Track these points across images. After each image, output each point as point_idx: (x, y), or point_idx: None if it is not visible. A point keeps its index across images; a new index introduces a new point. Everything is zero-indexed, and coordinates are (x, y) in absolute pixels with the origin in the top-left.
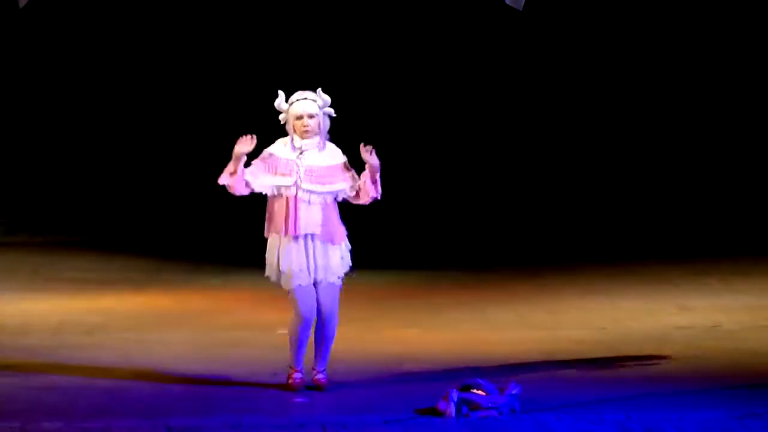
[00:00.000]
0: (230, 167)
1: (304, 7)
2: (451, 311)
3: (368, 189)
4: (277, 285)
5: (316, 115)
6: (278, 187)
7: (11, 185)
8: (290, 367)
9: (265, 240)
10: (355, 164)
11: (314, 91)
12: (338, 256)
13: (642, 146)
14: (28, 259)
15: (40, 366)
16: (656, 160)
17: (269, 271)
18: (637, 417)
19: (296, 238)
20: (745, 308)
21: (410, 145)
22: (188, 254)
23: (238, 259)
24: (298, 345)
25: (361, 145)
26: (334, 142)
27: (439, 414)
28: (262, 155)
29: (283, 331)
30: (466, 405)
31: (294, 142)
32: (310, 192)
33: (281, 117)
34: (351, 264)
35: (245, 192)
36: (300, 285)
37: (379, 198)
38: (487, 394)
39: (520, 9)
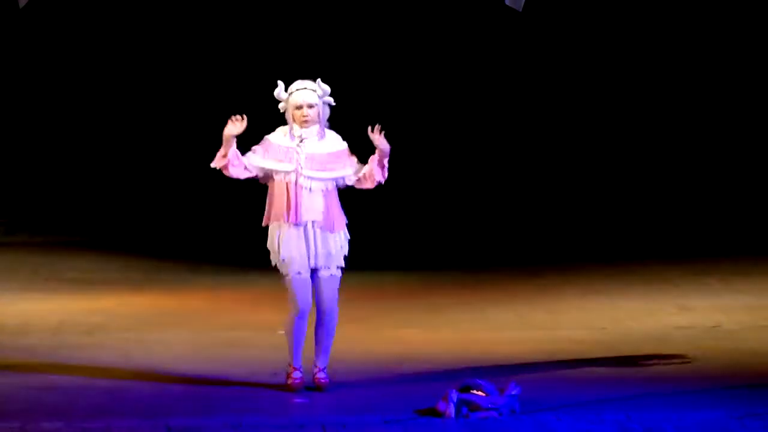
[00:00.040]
0: (222, 150)
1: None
2: (451, 311)
3: (374, 173)
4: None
5: (316, 104)
6: (278, 173)
7: (11, 185)
8: (289, 365)
9: (264, 230)
10: (356, 151)
11: (314, 80)
12: (338, 244)
13: (642, 146)
14: (28, 259)
15: (40, 366)
16: (656, 160)
17: (273, 257)
18: (637, 417)
19: (297, 225)
20: (745, 308)
21: (410, 145)
22: (188, 254)
23: (238, 259)
24: (294, 339)
25: (370, 127)
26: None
27: (439, 414)
28: (262, 141)
29: (282, 332)
30: (466, 406)
31: (293, 131)
32: (312, 178)
33: (281, 106)
34: (348, 253)
35: (241, 175)
36: (297, 274)
37: (383, 182)
38: (486, 395)
39: (520, 10)
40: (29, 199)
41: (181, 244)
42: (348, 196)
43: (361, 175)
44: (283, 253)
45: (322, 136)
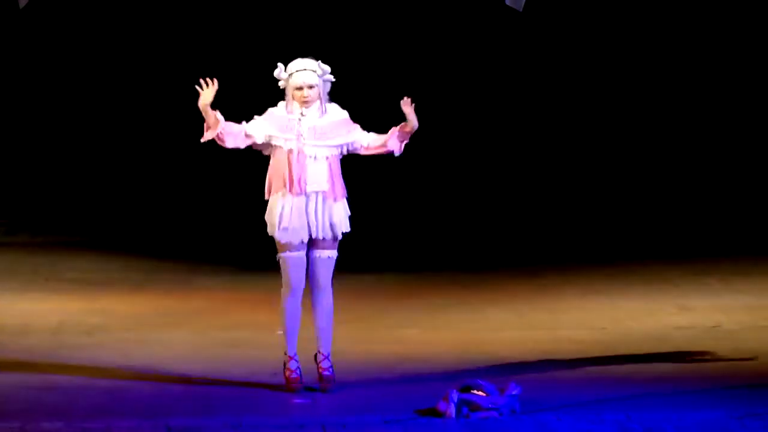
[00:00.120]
0: (206, 123)
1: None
2: (451, 311)
3: (391, 141)
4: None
5: (316, 85)
6: (279, 140)
7: (12, 186)
8: (285, 354)
9: (264, 229)
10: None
11: (314, 58)
12: (339, 214)
13: (642, 146)
14: (28, 259)
15: (40, 366)
16: (656, 160)
17: (270, 230)
18: (637, 417)
19: (300, 195)
20: (745, 308)
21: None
22: (188, 254)
23: (237, 259)
24: (288, 321)
25: (405, 98)
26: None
27: (439, 415)
28: (265, 113)
29: (281, 332)
30: (466, 406)
31: (294, 109)
32: (317, 147)
33: (280, 83)
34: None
35: (240, 143)
36: (292, 252)
37: (396, 155)
38: (487, 395)
39: (520, 10)
40: (30, 200)
41: (181, 244)
42: (349, 196)
43: (371, 140)
44: (284, 222)
45: (323, 112)
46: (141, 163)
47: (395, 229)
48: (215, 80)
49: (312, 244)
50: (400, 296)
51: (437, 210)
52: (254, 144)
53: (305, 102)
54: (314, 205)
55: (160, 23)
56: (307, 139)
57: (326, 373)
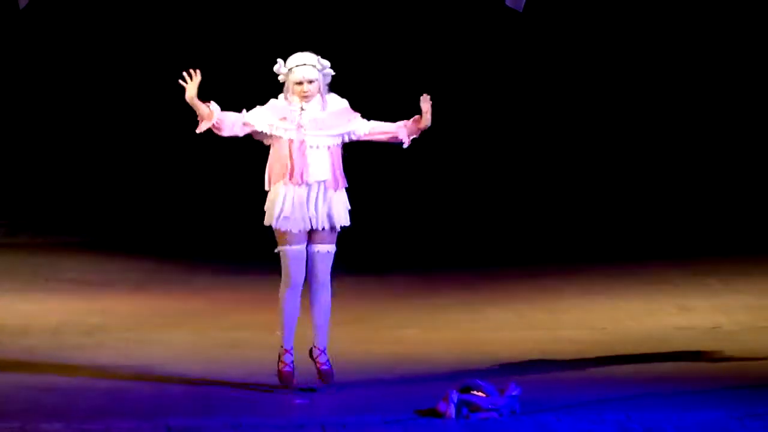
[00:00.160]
0: (199, 114)
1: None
2: (451, 311)
3: (402, 132)
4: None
5: (316, 79)
6: (280, 129)
7: (12, 186)
8: (281, 347)
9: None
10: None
11: (314, 53)
12: (339, 204)
13: (641, 146)
14: (28, 259)
15: (40, 366)
16: (656, 160)
17: (268, 219)
18: (637, 417)
19: (301, 185)
20: (745, 309)
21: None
22: (188, 254)
23: (237, 259)
24: (286, 315)
25: (425, 95)
26: None
27: (439, 415)
28: (266, 104)
29: (279, 333)
30: (466, 406)
31: (294, 101)
32: (317, 137)
33: (280, 78)
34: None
35: (238, 131)
36: (292, 246)
37: (404, 146)
38: (487, 396)
39: (521, 10)
40: (30, 201)
41: (181, 244)
42: (349, 196)
43: (372, 127)
44: (285, 212)
45: (324, 106)
46: (141, 163)
47: (395, 229)
48: (198, 71)
49: (311, 238)
50: (401, 296)
51: (437, 210)
52: (254, 132)
53: (305, 97)
54: (315, 196)
55: (159, 24)
56: (308, 130)
57: (324, 367)
